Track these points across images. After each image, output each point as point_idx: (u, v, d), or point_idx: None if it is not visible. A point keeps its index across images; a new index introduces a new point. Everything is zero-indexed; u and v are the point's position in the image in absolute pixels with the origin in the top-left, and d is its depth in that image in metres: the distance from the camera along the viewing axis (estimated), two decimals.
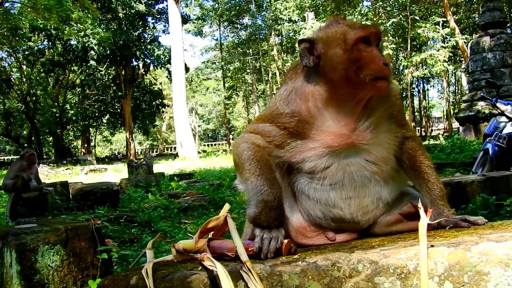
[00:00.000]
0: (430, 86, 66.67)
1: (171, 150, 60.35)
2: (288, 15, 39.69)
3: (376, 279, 1.79)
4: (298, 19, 40.86)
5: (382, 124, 2.42)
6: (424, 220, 1.78)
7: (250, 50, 59.12)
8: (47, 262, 4.38)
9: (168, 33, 42.12)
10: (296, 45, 2.52)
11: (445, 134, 43.42)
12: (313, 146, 2.35)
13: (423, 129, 56.92)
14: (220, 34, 62.21)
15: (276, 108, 2.43)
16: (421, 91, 60.70)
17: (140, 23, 46.22)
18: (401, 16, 35.29)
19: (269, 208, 2.23)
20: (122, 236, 7.20)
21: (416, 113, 61.08)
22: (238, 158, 2.37)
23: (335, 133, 2.34)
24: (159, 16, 49.04)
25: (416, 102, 61.88)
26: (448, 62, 37.64)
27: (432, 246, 1.75)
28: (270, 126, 2.40)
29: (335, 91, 2.33)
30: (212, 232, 2.30)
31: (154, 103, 51.79)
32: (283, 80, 2.67)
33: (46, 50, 43.99)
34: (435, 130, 62.15)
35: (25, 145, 46.02)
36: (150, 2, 47.91)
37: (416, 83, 56.80)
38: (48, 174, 27.67)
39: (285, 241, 2.18)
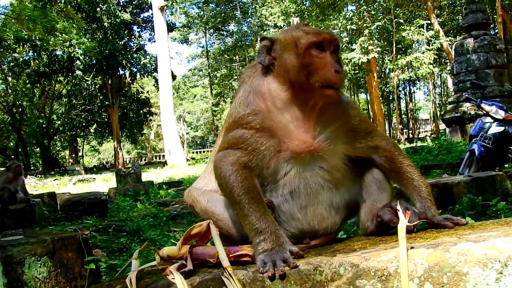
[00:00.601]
0: (417, 89, 67.27)
1: (159, 158, 60.12)
2: (274, 21, 39.77)
3: (357, 282, 1.80)
4: (284, 25, 40.99)
5: (340, 135, 2.44)
6: (403, 222, 1.79)
7: (237, 56, 59.25)
8: (34, 273, 4.34)
9: (154, 41, 42.04)
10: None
11: (432, 135, 43.69)
12: (282, 148, 2.35)
13: (410, 131, 57.32)
14: (206, 41, 62.33)
15: (238, 112, 2.41)
16: (407, 93, 61.13)
17: (125, 32, 46.14)
18: (385, 19, 35.60)
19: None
20: (111, 245, 7.16)
21: (403, 116, 61.48)
22: (226, 185, 2.29)
23: (298, 138, 2.35)
24: (144, 25, 48.93)
25: (403, 104, 62.30)
26: (433, 64, 37.96)
27: (412, 247, 1.76)
28: (239, 130, 2.37)
29: (290, 93, 2.35)
30: (196, 239, 2.30)
31: (141, 111, 51.59)
32: (240, 80, 2.65)
33: (31, 61, 43.67)
34: (422, 132, 62.51)
35: (12, 156, 45.61)
36: (135, 11, 47.85)
37: (403, 85, 57.26)
38: (35, 185, 27.44)
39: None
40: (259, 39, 2.56)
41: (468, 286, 1.64)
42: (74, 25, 35.95)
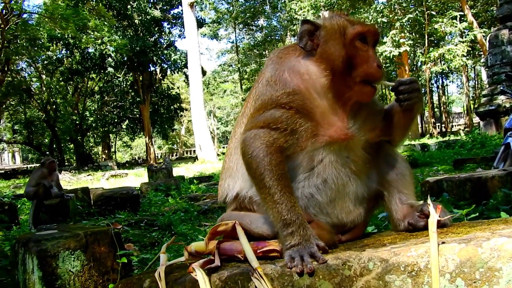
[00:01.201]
0: (449, 82, 66.14)
1: (190, 154, 60.63)
2: (303, 15, 39.59)
3: (387, 277, 1.77)
4: (313, 19, 40.78)
5: (367, 124, 2.41)
6: (434, 217, 1.76)
7: (266, 51, 59.15)
8: (68, 267, 4.43)
9: (184, 37, 42.31)
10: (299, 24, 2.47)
11: (466, 129, 42.91)
12: (319, 132, 2.30)
13: (443, 125, 56.36)
14: (235, 36, 62.49)
15: (275, 90, 2.32)
16: (440, 86, 60.13)
17: (156, 29, 46.56)
18: (417, 11, 35.03)
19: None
20: (143, 240, 7.25)
21: (436, 109, 60.53)
22: (257, 167, 2.20)
23: (335, 124, 2.31)
24: (174, 21, 49.38)
25: (435, 98, 61.33)
26: (467, 57, 37.25)
27: (443, 243, 1.73)
28: (277, 110, 2.27)
29: (329, 80, 2.29)
30: (222, 236, 2.31)
31: (172, 107, 52.10)
32: (268, 61, 2.54)
33: (64, 59, 44.46)
34: (455, 125, 61.45)
35: (47, 153, 46.56)
36: (165, 7, 48.28)
37: (435, 78, 56.33)
38: (70, 180, 27.96)
39: None
40: (300, 22, 2.51)
41: (501, 283, 1.60)
42: (105, 23, 36.49)
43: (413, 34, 38.95)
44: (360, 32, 2.30)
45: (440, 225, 2.21)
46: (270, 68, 2.45)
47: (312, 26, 2.35)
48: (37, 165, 11.26)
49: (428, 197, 2.02)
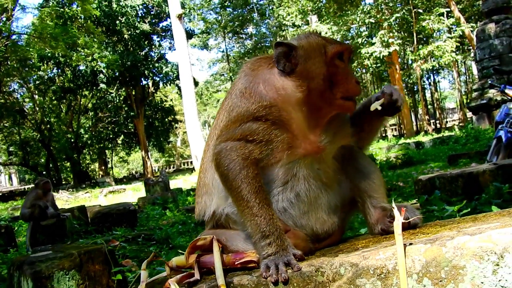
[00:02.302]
0: (441, 78, 66.41)
1: (187, 165, 60.59)
2: (291, 20, 39.74)
3: (357, 281, 1.81)
4: (302, 23, 40.93)
5: (338, 135, 2.46)
6: (399, 220, 1.80)
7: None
8: (63, 287, 4.44)
9: (174, 49, 42.34)
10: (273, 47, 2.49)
11: (460, 124, 43.05)
12: (294, 144, 2.32)
13: (437, 121, 56.48)
14: (226, 45, 62.62)
15: (250, 103, 2.33)
16: (432, 83, 60.30)
17: (146, 43, 46.67)
18: (404, 10, 35.16)
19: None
20: (140, 255, 7.25)
21: (430, 106, 60.69)
22: (234, 180, 2.22)
23: (309, 138, 2.35)
24: (164, 34, 49.47)
25: (428, 95, 61.51)
26: (456, 52, 37.39)
27: (411, 244, 1.77)
28: (252, 123, 2.29)
29: (305, 96, 2.32)
30: (202, 249, 2.34)
31: (166, 119, 52.17)
32: (241, 73, 2.54)
33: (56, 77, 44.56)
34: (450, 121, 61.66)
35: (44, 172, 46.51)
36: (154, 21, 48.36)
37: (426, 75, 56.46)
38: (68, 199, 27.93)
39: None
40: (273, 44, 2.52)
41: (466, 280, 1.63)
42: (95, 40, 36.61)
43: (402, 33, 39.07)
44: (340, 50, 2.35)
45: (411, 226, 2.26)
46: (243, 80, 2.45)
47: (286, 48, 2.37)
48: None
49: (393, 200, 2.06)
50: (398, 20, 35.80)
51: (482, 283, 1.61)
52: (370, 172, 2.49)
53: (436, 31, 37.68)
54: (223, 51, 63.76)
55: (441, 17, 34.00)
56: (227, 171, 2.24)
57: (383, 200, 2.45)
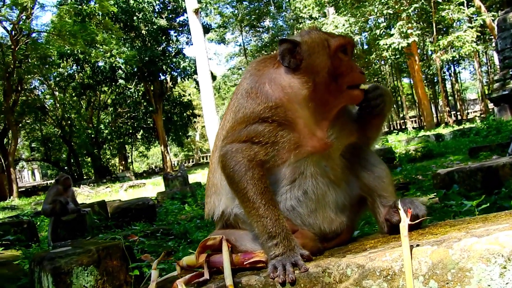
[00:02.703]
0: (462, 68, 65.48)
1: (206, 159, 60.79)
2: (308, 12, 39.51)
3: (364, 282, 1.81)
4: (319, 16, 40.68)
5: (345, 131, 2.46)
6: (405, 221, 1.78)
7: (275, 52, 59.06)
8: (82, 283, 4.51)
9: (192, 44, 42.48)
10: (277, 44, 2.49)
11: (482, 115, 42.47)
12: (301, 143, 2.34)
13: (458, 113, 55.77)
14: (243, 39, 62.60)
15: (257, 104, 2.35)
16: (452, 74, 59.53)
17: (163, 38, 46.85)
18: (423, 0, 34.66)
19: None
20: (158, 250, 7.30)
21: (450, 97, 59.98)
22: (240, 181, 2.24)
23: (316, 135, 2.37)
24: (181, 29, 49.58)
25: (448, 86, 60.78)
26: (477, 42, 36.79)
27: (417, 245, 1.76)
28: (258, 125, 2.31)
29: (311, 91, 2.33)
30: (212, 249, 2.36)
31: (185, 114, 52.39)
32: (246, 73, 2.57)
33: (75, 74, 45.03)
34: (471, 112, 60.82)
35: (65, 168, 47.11)
36: (171, 16, 48.49)
37: (447, 66, 55.79)
38: (89, 194, 28.23)
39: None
40: (278, 41, 2.52)
41: (473, 282, 1.62)
42: (113, 36, 36.89)
43: (421, 23, 38.61)
44: (343, 43, 2.39)
45: (415, 225, 2.24)
46: (249, 80, 2.47)
47: (290, 44, 2.39)
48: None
49: (399, 201, 2.05)
50: (417, 10, 35.38)
51: (489, 286, 1.59)
52: (379, 170, 2.48)
53: (456, 21, 37.17)
54: (240, 45, 63.79)
55: (461, 7, 33.46)
56: (232, 173, 2.26)
57: (392, 198, 2.44)
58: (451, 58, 40.89)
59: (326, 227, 2.41)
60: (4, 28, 35.23)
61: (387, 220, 2.40)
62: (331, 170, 2.42)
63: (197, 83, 44.25)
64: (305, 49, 2.38)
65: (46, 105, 47.20)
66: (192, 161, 64.89)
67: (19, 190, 37.80)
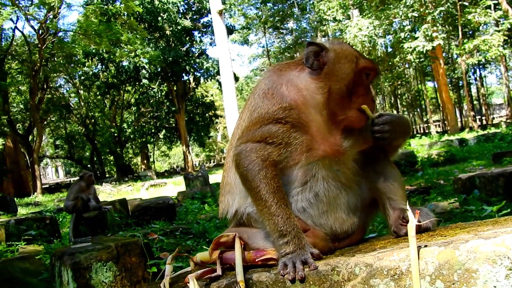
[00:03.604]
0: (488, 72, 64.57)
1: None
2: (332, 15, 39.37)
3: (371, 281, 1.84)
4: (343, 18, 40.51)
5: (359, 139, 2.49)
6: (413, 222, 1.81)
7: (298, 53, 58.96)
8: (101, 278, 4.59)
9: (215, 45, 42.67)
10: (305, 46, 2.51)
11: (508, 120, 41.84)
12: (313, 146, 2.38)
13: (483, 118, 55.01)
14: (266, 41, 62.65)
15: (272, 104, 2.40)
16: (478, 78, 58.73)
17: (187, 38, 47.10)
18: (448, 3, 34.29)
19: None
20: (181, 251, 7.36)
21: (475, 102, 59.20)
22: (253, 180, 2.29)
23: (329, 140, 2.40)
24: (204, 30, 49.77)
25: (474, 90, 59.99)
26: (504, 46, 36.23)
27: (425, 246, 1.78)
28: (273, 125, 2.35)
29: (327, 98, 2.38)
30: (224, 247, 2.42)
31: (207, 115, 52.62)
32: (265, 75, 2.64)
33: (100, 73, 45.51)
34: (496, 117, 59.92)
35: (88, 166, 47.69)
36: (195, 17, 48.77)
37: (472, 70, 55.07)
38: (110, 192, 28.53)
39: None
40: (306, 43, 2.57)
41: (479, 283, 1.63)
42: (137, 36, 37.20)
43: (446, 26, 38.23)
44: (369, 67, 2.47)
45: (423, 229, 2.26)
46: (267, 80, 2.53)
47: (317, 48, 2.44)
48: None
49: (407, 203, 2.07)
50: (442, 13, 35.03)
51: (495, 287, 1.61)
52: (390, 173, 2.50)
53: (482, 25, 36.67)
54: (263, 47, 63.86)
55: (488, 10, 33.01)
56: (246, 172, 2.31)
57: (402, 202, 2.45)
58: (476, 62, 40.29)
59: (337, 228, 2.43)
60: (32, 27, 35.82)
61: (395, 232, 2.43)
62: (342, 174, 2.45)
63: (219, 84, 44.43)
64: (332, 56, 2.43)
65: (70, 104, 47.90)
66: (213, 162, 65.15)
67: (43, 186, 38.36)
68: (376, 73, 2.51)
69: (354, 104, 2.39)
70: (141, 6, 40.07)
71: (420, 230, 2.25)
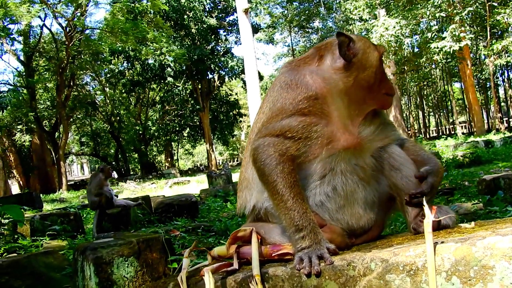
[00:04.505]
0: None
1: None
2: (359, 14, 39.12)
3: (387, 276, 1.84)
4: (369, 17, 40.21)
5: (377, 132, 2.52)
6: (429, 218, 1.80)
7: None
8: (123, 273, 4.62)
9: (240, 43, 42.78)
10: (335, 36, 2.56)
11: None
12: (334, 138, 2.39)
13: (510, 119, 54.08)
14: (291, 40, 62.52)
15: (297, 94, 2.40)
16: (506, 79, 57.80)
17: (212, 37, 47.26)
18: (477, 3, 33.79)
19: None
20: (199, 245, 7.40)
21: (503, 103, 58.26)
22: (270, 175, 2.29)
23: (350, 130, 2.43)
24: (230, 28, 49.93)
25: (501, 91, 59.05)
26: None
27: (442, 242, 1.77)
28: (293, 118, 2.35)
29: (353, 87, 2.44)
30: (242, 241, 2.44)
31: (231, 113, 52.78)
32: (282, 70, 2.67)
33: (126, 71, 45.96)
34: None
35: (113, 163, 48.19)
36: (220, 15, 48.94)
37: (500, 71, 54.21)
38: (134, 189, 28.80)
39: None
40: (336, 33, 2.61)
41: (495, 280, 1.63)
42: (163, 34, 37.47)
43: (474, 27, 37.66)
44: (383, 52, 2.62)
45: (442, 226, 2.25)
46: (287, 74, 2.55)
47: (347, 39, 2.49)
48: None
49: (424, 199, 2.06)
50: (470, 14, 34.52)
51: (511, 284, 1.60)
52: (407, 169, 2.48)
53: (511, 25, 36.05)
54: (288, 46, 63.76)
55: None
56: (263, 166, 2.31)
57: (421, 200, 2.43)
58: (505, 63, 39.64)
59: (354, 223, 2.44)
60: (59, 24, 36.38)
61: (414, 229, 2.43)
62: (361, 168, 2.46)
63: (244, 82, 44.61)
64: (360, 46, 2.50)
65: (96, 101, 48.46)
66: (237, 160, 65.36)
67: (68, 183, 38.90)
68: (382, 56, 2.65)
69: (382, 89, 2.53)
70: (167, 4, 40.33)
71: (439, 227, 2.26)
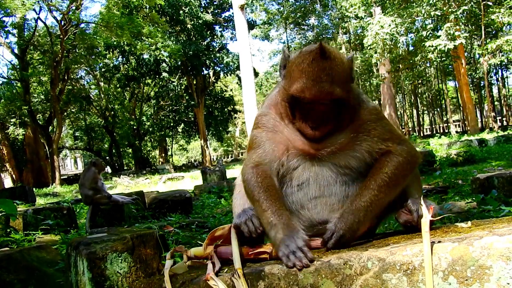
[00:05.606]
0: (510, 73, 63.67)
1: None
2: (354, 12, 39.16)
3: (384, 275, 1.84)
4: (365, 15, 40.25)
5: (353, 139, 2.48)
6: (427, 217, 1.80)
7: None
8: (116, 269, 4.59)
9: (236, 40, 42.72)
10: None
11: None
12: (289, 147, 2.52)
13: (504, 119, 54.30)
14: (287, 36, 62.45)
15: (258, 115, 2.70)
16: (499, 79, 58.01)
17: (208, 33, 47.10)
18: (472, 2, 33.87)
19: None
20: (192, 241, 7.40)
21: (496, 102, 58.46)
22: (248, 187, 2.51)
23: (303, 144, 2.50)
24: (226, 24, 49.84)
25: (495, 90, 59.26)
26: None
27: (439, 241, 1.77)
28: (256, 132, 2.62)
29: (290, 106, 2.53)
30: (221, 240, 2.51)
31: (226, 109, 52.75)
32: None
33: (120, 66, 45.79)
34: None
35: (107, 157, 48.01)
36: (216, 11, 48.82)
37: (494, 71, 54.38)
38: (128, 184, 28.73)
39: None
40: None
41: (492, 280, 1.63)
42: (159, 29, 37.30)
43: (469, 26, 37.75)
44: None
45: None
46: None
47: (284, 61, 2.72)
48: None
49: (421, 198, 2.06)
50: (465, 12, 34.59)
51: (508, 284, 1.60)
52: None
53: (506, 25, 36.15)
54: (284, 42, 63.56)
55: None
56: (244, 183, 2.58)
57: (412, 194, 2.47)
58: (499, 63, 39.80)
59: (326, 215, 2.46)
60: (54, 18, 36.13)
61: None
62: (341, 168, 2.50)
63: (239, 79, 44.47)
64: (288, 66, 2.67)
65: (91, 95, 48.18)
66: (231, 157, 65.32)
67: (62, 177, 38.73)
68: None
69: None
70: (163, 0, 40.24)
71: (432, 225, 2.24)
